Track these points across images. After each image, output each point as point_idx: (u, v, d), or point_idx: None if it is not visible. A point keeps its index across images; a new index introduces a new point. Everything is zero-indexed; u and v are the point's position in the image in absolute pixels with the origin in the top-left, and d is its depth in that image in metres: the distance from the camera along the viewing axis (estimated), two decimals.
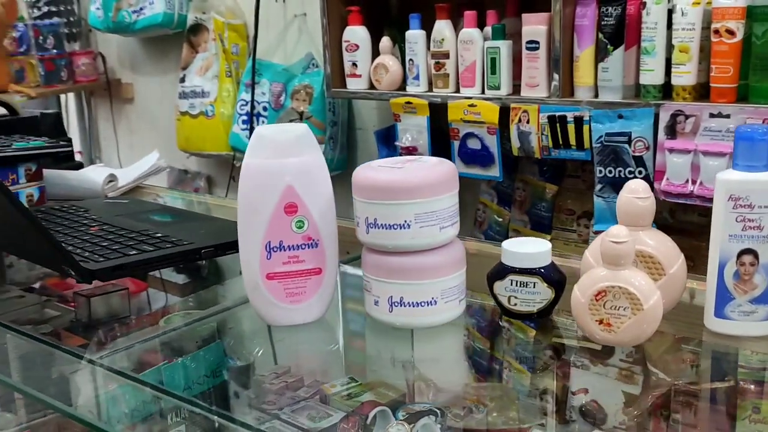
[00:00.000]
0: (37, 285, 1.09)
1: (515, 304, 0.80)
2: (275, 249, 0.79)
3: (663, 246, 0.77)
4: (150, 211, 1.22)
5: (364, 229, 0.78)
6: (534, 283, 0.79)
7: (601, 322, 0.73)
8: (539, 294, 0.79)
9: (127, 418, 0.77)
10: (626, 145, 1.70)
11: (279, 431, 0.70)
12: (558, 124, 1.78)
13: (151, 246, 0.98)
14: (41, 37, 3.03)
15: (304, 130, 0.79)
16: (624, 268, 0.72)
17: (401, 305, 0.78)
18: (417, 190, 0.75)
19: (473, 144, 1.94)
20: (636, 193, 0.77)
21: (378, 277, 0.79)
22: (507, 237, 2.19)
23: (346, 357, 0.87)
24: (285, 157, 0.78)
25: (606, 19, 1.70)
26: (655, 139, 1.65)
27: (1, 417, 1.04)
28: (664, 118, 1.62)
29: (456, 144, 1.96)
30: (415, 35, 2.01)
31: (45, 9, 3.14)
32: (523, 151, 1.87)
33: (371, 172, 0.78)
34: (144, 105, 3.23)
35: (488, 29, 1.90)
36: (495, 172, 1.94)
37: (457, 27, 1.96)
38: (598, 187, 1.75)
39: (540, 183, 2.09)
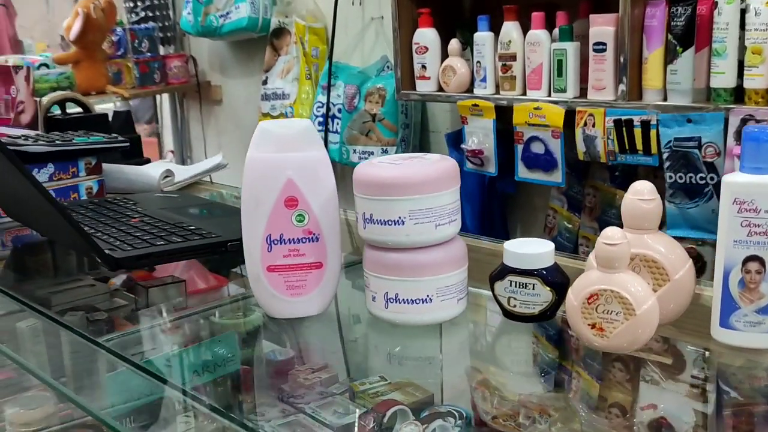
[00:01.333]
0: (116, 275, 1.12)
1: (515, 306, 0.78)
2: (276, 242, 0.80)
3: (668, 251, 0.73)
4: (195, 206, 1.26)
5: (362, 224, 0.78)
6: (533, 284, 0.77)
7: (593, 326, 0.70)
8: (539, 296, 0.77)
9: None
10: (696, 151, 1.63)
11: (301, 425, 0.71)
12: (624, 128, 1.73)
13: (180, 237, 1.00)
14: (137, 41, 3.16)
15: (306, 126, 0.80)
16: (618, 272, 0.69)
17: (396, 302, 0.77)
18: (411, 186, 0.74)
19: (537, 148, 1.90)
20: (640, 195, 0.74)
21: (375, 273, 0.78)
22: (577, 244, 2.13)
23: (382, 355, 0.85)
24: (286, 152, 0.79)
25: (676, 19, 1.64)
26: (725, 145, 1.58)
27: (41, 395, 1.09)
28: (733, 123, 1.55)
29: (519, 148, 1.93)
30: (482, 37, 1.99)
31: (142, 14, 3.28)
32: (588, 155, 1.82)
33: (370, 168, 0.78)
34: (231, 106, 3.32)
35: (557, 31, 1.87)
36: (557, 177, 1.89)
37: (528, 29, 1.93)
38: (669, 192, 1.69)
39: (611, 189, 2.03)
